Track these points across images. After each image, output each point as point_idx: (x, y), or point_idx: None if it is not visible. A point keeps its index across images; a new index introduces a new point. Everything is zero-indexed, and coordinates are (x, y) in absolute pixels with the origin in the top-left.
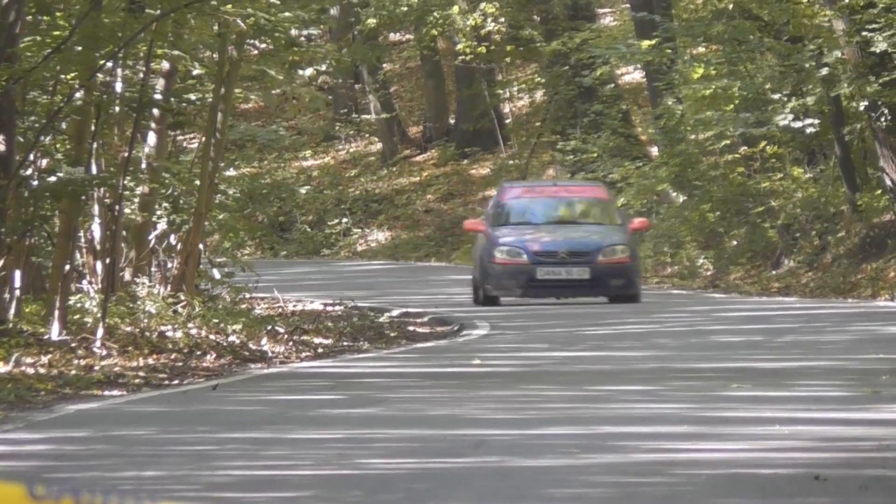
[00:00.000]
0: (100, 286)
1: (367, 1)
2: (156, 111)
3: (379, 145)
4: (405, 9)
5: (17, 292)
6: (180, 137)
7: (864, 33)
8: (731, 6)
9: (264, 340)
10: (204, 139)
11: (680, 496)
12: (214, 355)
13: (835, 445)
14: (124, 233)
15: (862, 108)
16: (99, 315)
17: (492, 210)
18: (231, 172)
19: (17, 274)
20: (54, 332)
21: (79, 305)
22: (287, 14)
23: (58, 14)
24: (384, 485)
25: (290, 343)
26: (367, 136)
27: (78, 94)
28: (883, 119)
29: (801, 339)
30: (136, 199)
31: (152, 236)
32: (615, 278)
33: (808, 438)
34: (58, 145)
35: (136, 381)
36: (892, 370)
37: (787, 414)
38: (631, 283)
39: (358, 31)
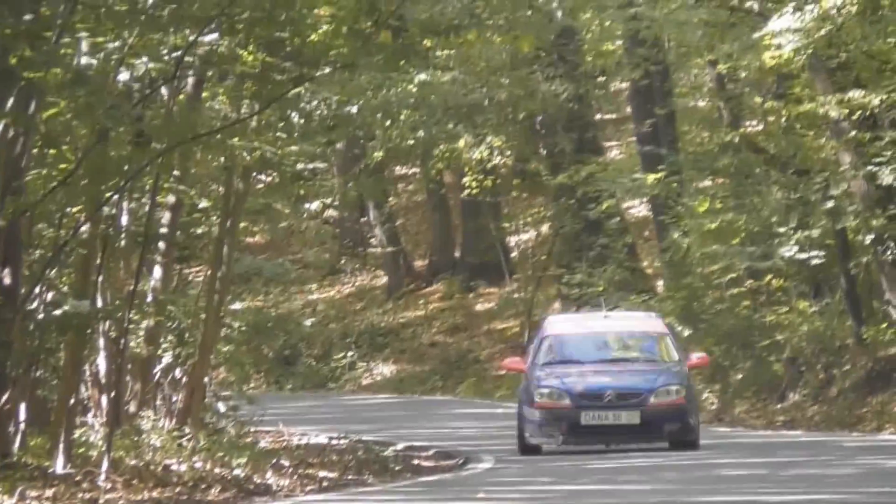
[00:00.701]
0: (105, 419)
1: (374, 134)
2: (161, 244)
3: (384, 279)
4: (412, 142)
5: (22, 425)
6: (186, 271)
7: (870, 167)
8: (737, 139)
9: (269, 474)
10: (210, 272)
11: None
12: (219, 489)
13: None
14: (129, 366)
15: (868, 242)
16: (104, 448)
17: (534, 346)
18: (237, 306)
19: (22, 407)
20: (59, 466)
21: (84, 439)
22: (293, 147)
23: (64, 147)
24: None
25: (295, 476)
26: (372, 269)
27: (84, 227)
28: (889, 252)
29: (807, 473)
30: (142, 333)
31: (157, 369)
32: (669, 422)
33: None
34: (63, 278)
35: None
36: None
37: None
38: (687, 428)
39: (364, 165)
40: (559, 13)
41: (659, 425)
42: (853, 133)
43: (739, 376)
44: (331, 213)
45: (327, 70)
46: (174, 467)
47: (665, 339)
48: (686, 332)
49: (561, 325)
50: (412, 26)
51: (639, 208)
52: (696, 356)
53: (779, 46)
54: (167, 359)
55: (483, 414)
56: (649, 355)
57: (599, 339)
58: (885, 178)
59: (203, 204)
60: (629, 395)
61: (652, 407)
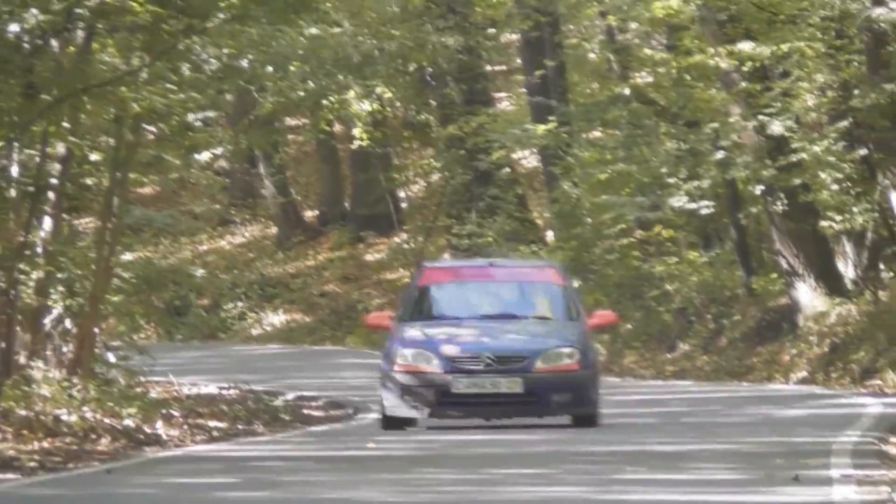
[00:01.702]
0: None
1: (264, 86)
2: (52, 195)
3: (275, 229)
4: (302, 94)
5: None
6: (76, 222)
7: (760, 117)
8: (627, 91)
9: (159, 424)
10: (100, 223)
11: None
12: (109, 439)
13: None
14: (19, 317)
15: (758, 192)
16: None
17: (402, 298)
18: (127, 257)
19: None
20: None
21: None
22: (182, 97)
23: None
24: None
25: (185, 426)
26: (262, 220)
27: None
28: (779, 203)
29: (696, 422)
30: (32, 283)
31: (47, 320)
32: (559, 392)
33: None
34: None
35: (31, 464)
36: (785, 453)
37: (683, 497)
38: (581, 400)
39: (254, 117)
40: None
41: (546, 396)
42: (743, 84)
43: (629, 326)
44: (221, 164)
45: (218, 22)
46: (64, 417)
47: (562, 293)
48: (576, 283)
49: (436, 273)
50: None
51: (529, 159)
52: (601, 313)
53: None
54: (57, 309)
55: (372, 364)
56: (541, 312)
57: (481, 291)
58: (775, 128)
59: (94, 156)
60: (511, 358)
61: (538, 373)
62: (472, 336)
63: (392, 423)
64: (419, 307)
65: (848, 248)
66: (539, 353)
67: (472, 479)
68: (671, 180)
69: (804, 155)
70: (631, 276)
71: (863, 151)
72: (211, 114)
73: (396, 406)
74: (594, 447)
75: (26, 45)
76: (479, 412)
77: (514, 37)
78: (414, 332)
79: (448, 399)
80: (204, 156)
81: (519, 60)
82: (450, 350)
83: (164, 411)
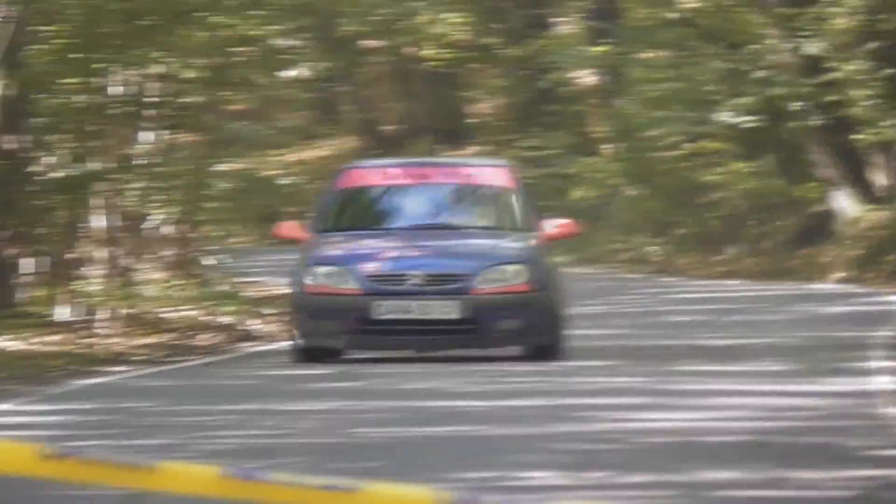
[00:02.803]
0: (103, 272)
1: (343, 13)
2: (152, 112)
3: (357, 142)
4: (377, 19)
5: (28, 278)
6: (174, 136)
7: (796, 39)
8: (675, 16)
9: (254, 321)
10: (196, 138)
11: (637, 462)
12: (209, 334)
13: (778, 415)
14: (125, 223)
15: (796, 108)
16: (103, 298)
17: (319, 206)
18: (221, 168)
19: (28, 261)
20: (62, 314)
21: (84, 290)
22: (271, 27)
23: (61, 25)
24: (367, 452)
25: (278, 323)
26: (345, 134)
27: (80, 97)
28: (816, 118)
29: (745, 319)
30: (135, 193)
31: (150, 226)
32: (505, 319)
33: (753, 409)
34: (63, 144)
35: (138, 358)
36: (826, 347)
37: (732, 386)
38: (533, 327)
39: (335, 39)
40: None
41: (489, 322)
42: (780, 9)
43: (682, 231)
44: (306, 83)
45: None
46: (167, 315)
47: (512, 198)
48: (632, 192)
49: (360, 175)
50: None
51: (586, 78)
52: (559, 222)
53: None
54: (159, 217)
55: None
56: (486, 221)
57: (414, 195)
58: (810, 49)
59: (189, 76)
60: (445, 277)
61: (479, 295)
62: (399, 250)
63: (304, 356)
64: (338, 215)
65: (880, 159)
66: (479, 271)
67: (542, 370)
68: (717, 97)
69: (838, 74)
70: (682, 185)
71: (891, 70)
72: (296, 42)
73: (308, 335)
74: (653, 342)
75: None
76: (406, 342)
77: None
78: (329, 246)
79: (368, 326)
80: (291, 74)
81: None
82: (370, 267)
83: (258, 309)
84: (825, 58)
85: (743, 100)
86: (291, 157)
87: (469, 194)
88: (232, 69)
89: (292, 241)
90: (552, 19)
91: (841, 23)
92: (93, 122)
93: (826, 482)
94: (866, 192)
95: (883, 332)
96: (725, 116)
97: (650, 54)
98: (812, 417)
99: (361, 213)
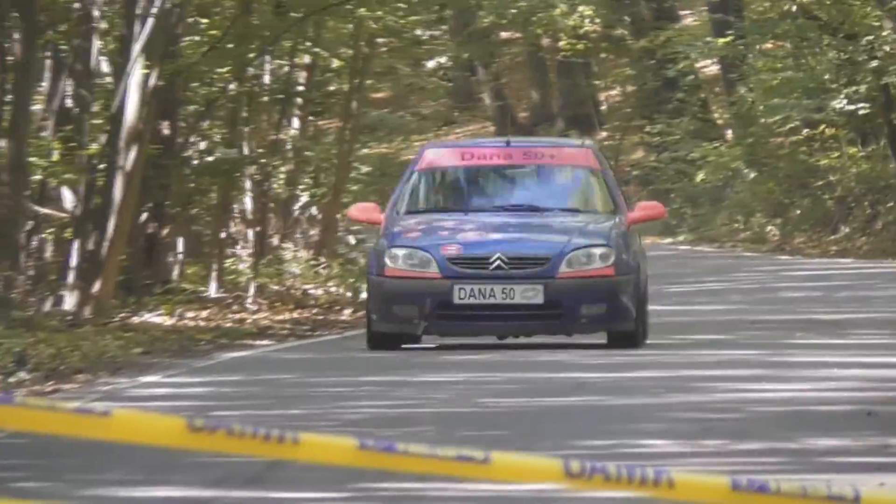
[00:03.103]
0: (251, 251)
1: (481, 5)
2: (299, 100)
3: (492, 128)
4: (514, 11)
5: (181, 256)
6: (320, 122)
7: None
8: (794, 8)
9: None
10: (341, 124)
11: (750, 430)
12: (350, 310)
13: (884, 385)
14: (272, 205)
15: None
16: (251, 276)
17: (399, 186)
18: (364, 152)
19: (180, 241)
20: (212, 291)
21: (233, 267)
22: (413, 18)
23: (214, 18)
24: (495, 421)
25: None
26: (481, 120)
27: (231, 86)
28: None
29: (856, 295)
30: (283, 176)
31: (296, 207)
32: (589, 303)
33: (862, 380)
34: (214, 130)
35: (283, 332)
36: None
37: (843, 359)
38: (618, 313)
39: (473, 30)
40: None
41: (573, 307)
42: (894, 3)
43: (798, 212)
44: (445, 72)
45: None
46: (311, 291)
47: (597, 179)
48: (752, 175)
49: (440, 155)
50: None
51: (710, 68)
52: (645, 205)
53: None
54: (304, 198)
55: None
56: (570, 203)
57: (495, 176)
58: None
59: (335, 65)
60: (528, 260)
61: (563, 279)
62: (480, 233)
63: (380, 341)
64: (416, 197)
65: None
66: (564, 254)
67: (662, 343)
68: (833, 86)
69: None
70: (799, 168)
71: None
72: (436, 32)
73: (384, 319)
74: (767, 316)
75: None
76: (487, 327)
77: None
78: (408, 227)
79: (448, 311)
80: (430, 64)
81: None
82: (451, 250)
83: None
84: None
85: (857, 88)
86: (434, 139)
87: (552, 175)
88: (375, 59)
89: (366, 223)
90: (679, 12)
91: None
92: (243, 110)
93: None
94: None
95: None
96: (840, 104)
97: (770, 45)
98: None
99: (441, 194)
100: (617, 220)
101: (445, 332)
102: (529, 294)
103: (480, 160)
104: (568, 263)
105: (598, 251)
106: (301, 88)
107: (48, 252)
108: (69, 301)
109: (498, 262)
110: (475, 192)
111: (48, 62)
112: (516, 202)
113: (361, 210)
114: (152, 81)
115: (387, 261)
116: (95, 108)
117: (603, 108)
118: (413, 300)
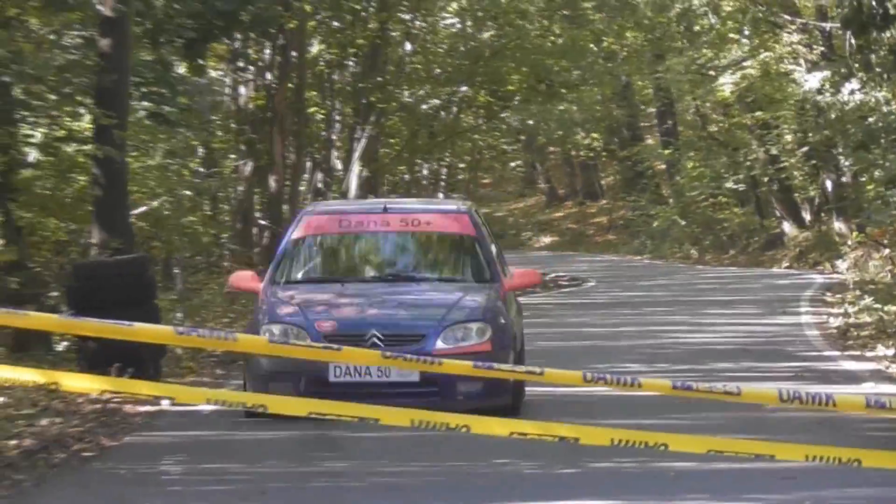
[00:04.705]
0: None
1: (539, 132)
2: (442, 184)
3: (542, 198)
4: (556, 136)
5: None
6: (454, 196)
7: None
8: (704, 134)
9: None
10: (465, 197)
11: (681, 358)
12: None
13: (754, 335)
14: None
15: (766, 182)
16: None
17: (276, 255)
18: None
19: None
20: None
21: None
22: (503, 139)
23: (396, 139)
24: None
25: None
26: (539, 195)
27: (406, 177)
28: (770, 189)
29: (739, 286)
30: None
31: None
32: (466, 381)
33: (742, 333)
34: None
35: None
36: (778, 300)
37: (731, 320)
38: (493, 390)
39: (534, 145)
40: None
41: (449, 385)
42: (757, 130)
43: (707, 242)
44: (518, 168)
45: (516, 101)
46: None
47: (474, 246)
48: (683, 223)
49: (317, 221)
50: None
51: (661, 165)
52: (522, 272)
53: None
54: None
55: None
56: (446, 272)
57: (373, 243)
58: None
59: (461, 165)
60: (404, 337)
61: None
62: (356, 307)
63: (255, 415)
64: (293, 265)
65: (805, 205)
66: (439, 331)
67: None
68: (725, 175)
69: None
70: (708, 219)
71: None
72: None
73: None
74: (691, 297)
75: (432, 112)
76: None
77: None
78: (283, 300)
79: (323, 388)
80: (512, 164)
81: None
82: (326, 326)
83: None
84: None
85: (738, 176)
86: (512, 205)
87: (428, 243)
88: (482, 161)
89: (246, 292)
90: (645, 135)
91: None
92: (412, 191)
93: (778, 368)
94: (799, 222)
95: (808, 293)
96: (730, 184)
97: (692, 153)
98: (771, 335)
99: (317, 263)
100: (492, 291)
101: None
102: (405, 371)
103: (358, 227)
104: (444, 339)
105: (473, 326)
106: (444, 178)
107: None
108: None
109: (373, 339)
110: (352, 260)
111: (308, 163)
112: (392, 271)
113: (240, 278)
114: (364, 174)
115: (264, 334)
116: (333, 188)
117: (604, 186)
118: (289, 378)
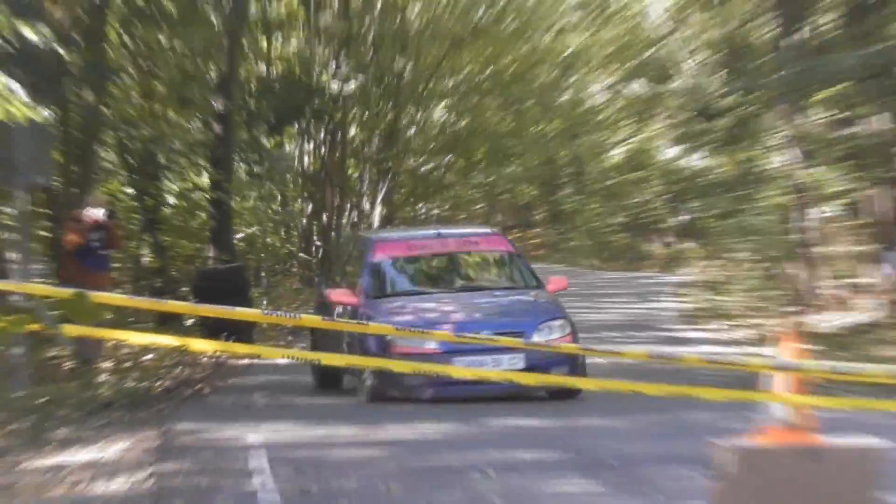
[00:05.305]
0: None
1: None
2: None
3: (498, 222)
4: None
5: None
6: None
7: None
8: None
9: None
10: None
11: (635, 327)
12: None
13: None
14: None
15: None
16: None
17: (364, 274)
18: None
19: None
20: None
21: None
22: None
23: (407, 188)
24: None
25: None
26: (494, 223)
27: (412, 214)
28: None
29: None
30: None
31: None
32: (557, 366)
33: (625, 314)
34: None
35: None
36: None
37: (611, 306)
38: (575, 369)
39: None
40: None
41: (545, 371)
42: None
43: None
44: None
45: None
46: None
47: (516, 260)
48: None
49: (388, 245)
50: None
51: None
52: (556, 279)
53: None
54: None
55: None
56: (504, 282)
57: (441, 262)
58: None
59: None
60: (509, 335)
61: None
62: (463, 311)
63: (379, 396)
64: (383, 283)
65: None
66: (534, 327)
67: None
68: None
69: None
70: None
71: None
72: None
73: (388, 388)
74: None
75: (427, 172)
76: (481, 391)
77: None
78: (397, 309)
79: (449, 380)
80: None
81: None
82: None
83: None
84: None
85: (624, 213)
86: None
87: (483, 259)
88: (460, 204)
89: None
90: (566, 185)
91: None
92: (421, 223)
93: (647, 336)
94: (663, 242)
95: (667, 289)
96: (619, 218)
97: (595, 198)
98: (643, 315)
99: (402, 279)
100: (547, 294)
101: (447, 397)
102: (513, 361)
103: (424, 250)
104: (538, 334)
105: (558, 322)
106: (434, 214)
107: None
108: None
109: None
110: (430, 276)
111: (348, 205)
112: (465, 283)
113: (340, 294)
114: (383, 213)
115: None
116: (364, 222)
117: (538, 219)
118: (423, 380)
